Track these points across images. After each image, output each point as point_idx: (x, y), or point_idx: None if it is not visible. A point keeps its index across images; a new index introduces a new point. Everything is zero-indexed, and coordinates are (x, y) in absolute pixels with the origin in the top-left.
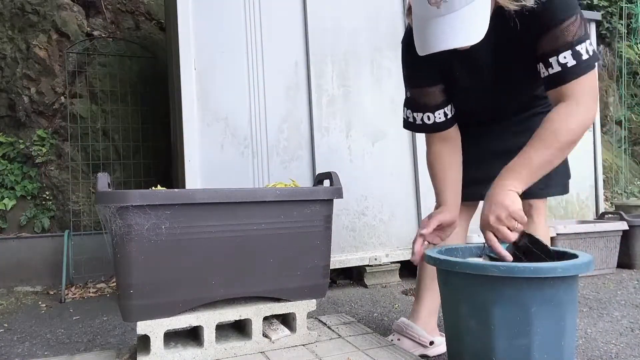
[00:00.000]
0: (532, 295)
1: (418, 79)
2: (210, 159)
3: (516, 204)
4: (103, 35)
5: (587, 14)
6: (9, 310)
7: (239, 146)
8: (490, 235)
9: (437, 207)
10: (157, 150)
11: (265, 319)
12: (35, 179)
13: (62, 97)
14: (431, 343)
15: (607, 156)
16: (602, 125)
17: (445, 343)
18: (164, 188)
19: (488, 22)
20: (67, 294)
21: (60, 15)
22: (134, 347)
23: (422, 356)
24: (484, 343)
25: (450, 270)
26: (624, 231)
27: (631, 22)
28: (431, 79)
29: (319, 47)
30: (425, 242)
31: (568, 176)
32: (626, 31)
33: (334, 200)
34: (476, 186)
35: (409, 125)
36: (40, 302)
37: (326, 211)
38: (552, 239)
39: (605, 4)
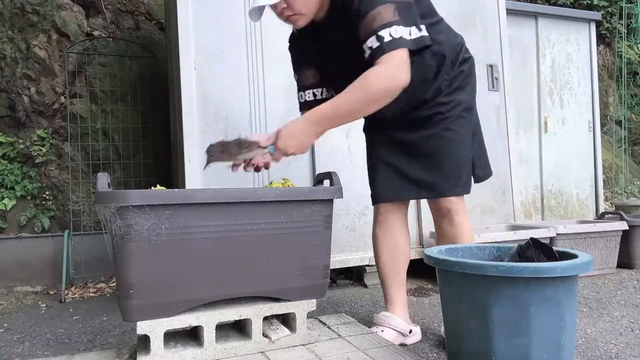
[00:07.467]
0: (532, 295)
1: (297, 63)
2: None
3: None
4: (103, 35)
5: (587, 14)
6: (9, 310)
7: None
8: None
9: None
10: (157, 150)
11: (265, 319)
12: (35, 179)
13: (62, 97)
14: (410, 332)
15: (607, 156)
16: (602, 125)
17: (419, 332)
18: (164, 188)
19: None
20: (67, 294)
21: (60, 15)
22: (134, 347)
23: (401, 344)
24: (484, 343)
25: (450, 270)
26: (624, 231)
27: (631, 22)
28: (304, 62)
29: None
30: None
31: (472, 175)
32: (626, 31)
33: (334, 200)
34: (404, 187)
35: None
36: (40, 302)
37: (326, 211)
38: (551, 239)
39: (605, 4)
